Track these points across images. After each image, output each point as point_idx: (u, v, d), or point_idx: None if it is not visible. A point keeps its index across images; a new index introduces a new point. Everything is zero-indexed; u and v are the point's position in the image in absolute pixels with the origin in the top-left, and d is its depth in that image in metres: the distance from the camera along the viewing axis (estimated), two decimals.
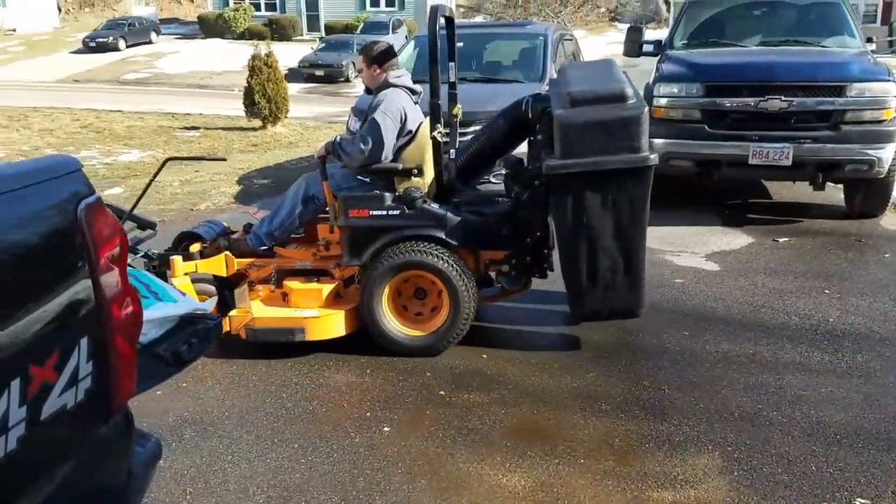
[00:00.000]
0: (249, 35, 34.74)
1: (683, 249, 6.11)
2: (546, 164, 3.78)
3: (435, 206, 4.13)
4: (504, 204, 4.36)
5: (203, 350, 2.13)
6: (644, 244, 3.94)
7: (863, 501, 2.90)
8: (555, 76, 7.64)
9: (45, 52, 33.33)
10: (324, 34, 34.04)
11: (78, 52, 32.79)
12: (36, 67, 29.58)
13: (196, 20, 38.91)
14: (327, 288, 4.22)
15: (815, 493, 2.94)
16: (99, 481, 1.59)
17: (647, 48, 8.00)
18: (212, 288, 4.37)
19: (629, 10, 34.42)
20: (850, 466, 3.10)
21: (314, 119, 15.86)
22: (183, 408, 3.67)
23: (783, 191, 7.87)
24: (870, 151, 6.18)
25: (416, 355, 4.16)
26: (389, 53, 4.44)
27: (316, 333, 4.10)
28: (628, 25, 8.40)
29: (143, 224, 5.01)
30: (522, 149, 4.50)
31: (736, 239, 6.35)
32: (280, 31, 35.52)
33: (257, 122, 13.72)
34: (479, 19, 26.83)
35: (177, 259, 4.28)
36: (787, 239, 6.27)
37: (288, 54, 28.62)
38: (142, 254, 4.70)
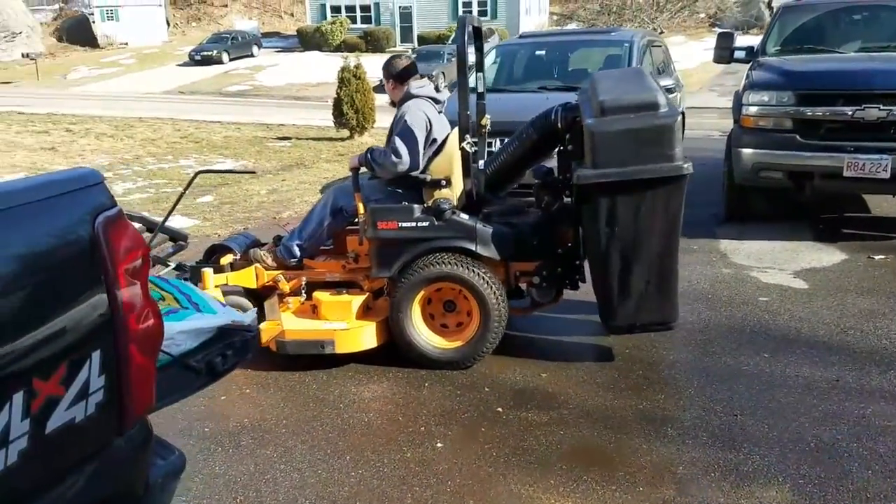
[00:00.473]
0: (345, 47, 35.54)
1: (771, 266, 5.81)
2: (577, 174, 3.72)
3: (464, 217, 4.07)
4: (534, 214, 4.29)
5: (239, 362, 2.14)
6: (677, 255, 3.85)
7: None
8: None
9: (154, 65, 35.12)
10: (416, 45, 34.47)
11: (184, 64, 34.40)
12: (145, 79, 31.22)
13: (295, 34, 40.12)
14: (357, 300, 4.20)
15: None
16: (113, 494, 1.60)
17: (739, 55, 7.70)
18: (244, 300, 4.40)
19: (729, 15, 33.36)
20: None
21: None
22: (244, 414, 3.73)
23: (884, 204, 7.40)
24: None
25: (445, 368, 4.11)
26: (409, 70, 4.43)
27: (346, 346, 4.08)
28: (719, 31, 8.08)
29: (175, 236, 5.00)
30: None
31: (828, 255, 5.99)
32: (374, 42, 36.22)
33: (345, 132, 14.00)
34: (572, 26, 26.57)
35: (207, 271, 4.34)
36: (883, 256, 5.88)
37: (381, 65, 29.21)
38: (173, 265, 4.75)
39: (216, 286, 4.33)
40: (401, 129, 4.18)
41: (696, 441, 3.40)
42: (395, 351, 4.20)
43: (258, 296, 4.47)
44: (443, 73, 24.48)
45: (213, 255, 4.75)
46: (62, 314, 1.42)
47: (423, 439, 3.46)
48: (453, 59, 25.70)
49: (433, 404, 3.80)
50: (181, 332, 1.84)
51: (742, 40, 8.57)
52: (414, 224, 4.06)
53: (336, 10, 39.30)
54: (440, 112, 4.40)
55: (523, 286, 4.32)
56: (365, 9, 39.22)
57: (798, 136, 6.18)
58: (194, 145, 13.73)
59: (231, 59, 34.64)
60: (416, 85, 4.38)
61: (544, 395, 3.87)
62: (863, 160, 5.95)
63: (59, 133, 15.34)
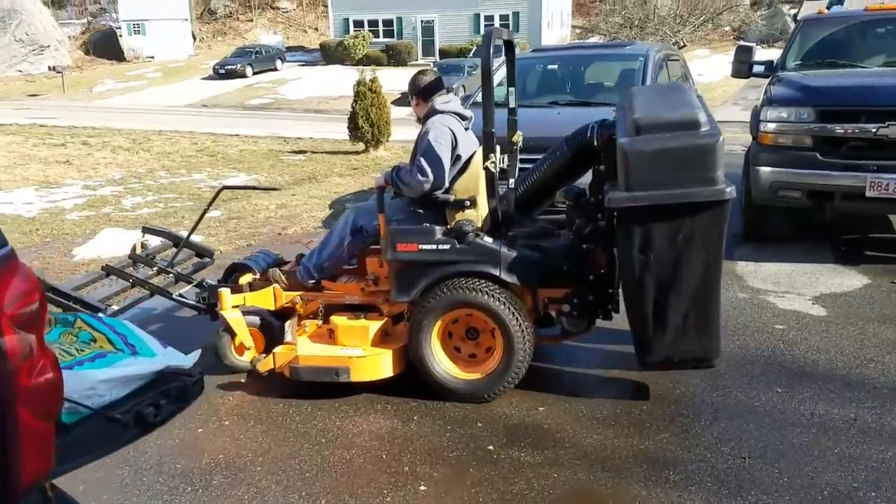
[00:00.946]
0: (367, 61, 35.60)
1: (789, 290, 5.54)
2: (609, 196, 3.42)
3: (488, 241, 3.85)
4: (565, 237, 4.06)
5: (177, 411, 1.95)
6: (719, 287, 3.53)
7: None
8: None
9: (178, 79, 35.38)
10: (438, 59, 34.40)
11: (208, 78, 34.60)
12: (170, 93, 31.42)
13: (318, 48, 40.27)
14: (374, 325, 4.00)
15: None
16: None
17: (758, 69, 7.44)
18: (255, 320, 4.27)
19: (754, 28, 32.90)
20: None
21: None
22: (219, 449, 3.53)
23: None
24: None
25: (467, 401, 3.89)
26: (435, 85, 4.24)
27: (361, 374, 3.88)
28: (738, 45, 7.82)
29: (200, 252, 5.00)
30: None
31: (849, 279, 5.70)
32: (396, 56, 36.23)
33: (360, 146, 13.88)
34: (593, 40, 26.34)
35: (225, 291, 4.20)
36: None
37: (402, 79, 29.19)
38: (195, 283, 4.67)
39: (234, 306, 4.20)
40: (426, 146, 3.98)
41: (700, 487, 3.15)
42: (403, 380, 4.01)
43: (282, 316, 4.34)
44: (463, 86, 24.35)
45: (232, 273, 4.61)
46: None
47: (406, 480, 3.24)
48: (474, 72, 25.47)
49: (420, 441, 3.58)
50: (104, 380, 1.66)
51: (765, 54, 8.30)
52: (434, 246, 3.84)
53: (359, 24, 39.37)
54: (467, 129, 4.20)
55: (553, 314, 4.08)
56: (387, 23, 39.27)
57: (818, 155, 5.92)
58: (209, 159, 13.67)
59: (255, 73, 34.78)
60: (442, 100, 4.19)
61: (540, 432, 3.64)
62: (886, 180, 5.67)
63: (75, 146, 15.38)
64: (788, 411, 3.75)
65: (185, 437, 3.65)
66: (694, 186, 3.30)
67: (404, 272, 3.91)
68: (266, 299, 4.26)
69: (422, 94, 4.23)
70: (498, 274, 3.81)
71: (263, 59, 36.41)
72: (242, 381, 4.24)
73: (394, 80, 29.70)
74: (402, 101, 27.20)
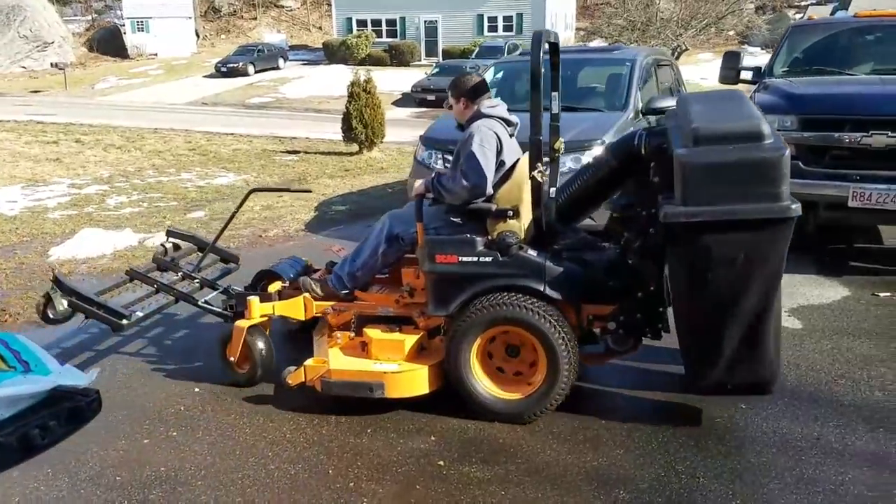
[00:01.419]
0: (370, 61, 35.61)
1: None
2: (665, 210, 3.18)
3: (532, 254, 3.68)
4: (610, 251, 3.86)
5: (70, 432, 1.86)
6: (779, 309, 3.35)
7: None
8: (640, 105, 7.12)
9: (181, 76, 35.40)
10: (441, 59, 34.33)
11: (210, 76, 34.60)
12: (171, 90, 31.42)
13: (322, 47, 40.25)
14: (410, 339, 3.83)
15: None
16: None
17: (746, 75, 7.35)
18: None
19: (756, 33, 32.73)
20: None
21: (414, 144, 15.78)
22: (162, 461, 3.44)
23: None
24: None
25: (508, 421, 3.72)
26: (481, 87, 4.06)
27: (396, 390, 3.71)
28: (726, 51, 7.73)
29: (226, 257, 4.87)
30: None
31: (829, 291, 5.59)
32: (399, 56, 36.20)
33: (354, 147, 13.80)
34: (595, 43, 26.20)
35: (254, 300, 4.07)
36: (889, 294, 5.45)
37: (404, 79, 29.13)
38: (221, 289, 4.56)
39: (262, 315, 4.10)
40: (470, 151, 3.79)
41: None
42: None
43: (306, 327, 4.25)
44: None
45: (260, 280, 4.47)
46: None
47: (348, 498, 3.15)
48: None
49: (370, 455, 3.49)
50: None
51: (756, 60, 8.19)
52: (476, 259, 3.69)
53: (362, 24, 39.36)
54: (512, 135, 4.03)
55: (597, 331, 3.86)
56: (391, 23, 39.23)
57: (801, 164, 5.80)
58: (200, 158, 13.60)
59: (257, 71, 34.76)
60: (488, 104, 4.00)
61: (493, 447, 3.54)
62: (869, 190, 5.57)
63: (67, 144, 15.33)
64: (750, 429, 3.66)
65: (129, 447, 3.57)
66: (756, 202, 3.08)
67: (442, 285, 3.75)
68: (296, 309, 4.11)
69: (470, 95, 4.03)
70: (542, 289, 3.64)
71: (266, 57, 36.38)
72: (197, 389, 4.15)
73: (396, 81, 29.73)
74: (404, 101, 27.19)
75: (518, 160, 3.93)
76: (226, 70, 34.31)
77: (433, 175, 3.95)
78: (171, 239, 4.99)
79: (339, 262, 4.24)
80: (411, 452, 3.50)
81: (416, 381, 3.74)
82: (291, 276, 4.42)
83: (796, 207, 3.09)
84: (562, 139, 4.16)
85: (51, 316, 4.16)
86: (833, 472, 3.28)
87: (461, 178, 3.77)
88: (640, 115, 6.93)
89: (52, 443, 1.79)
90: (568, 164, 6.71)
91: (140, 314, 4.30)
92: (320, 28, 48.49)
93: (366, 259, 4.09)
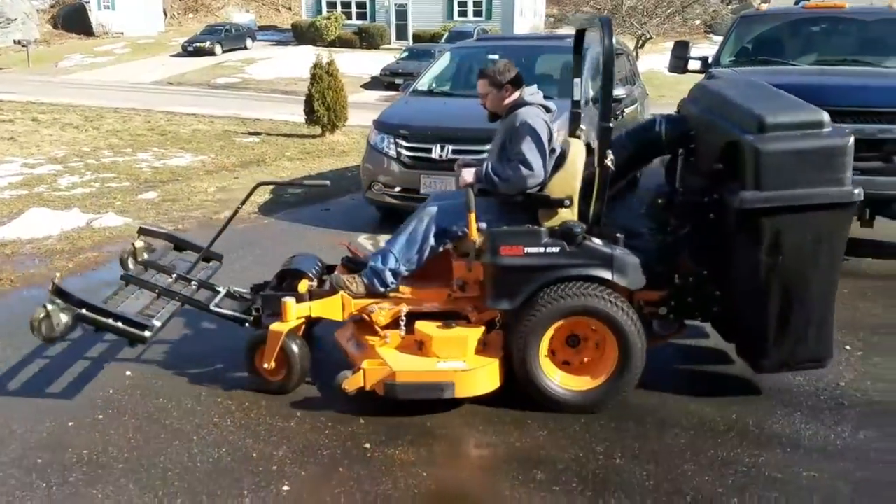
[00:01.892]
0: (339, 43, 35.32)
1: None
2: (742, 196, 3.36)
3: (598, 243, 3.65)
4: (651, 238, 3.91)
5: None
6: (837, 288, 3.58)
7: None
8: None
9: (147, 55, 34.81)
10: (411, 43, 34.17)
11: (177, 55, 34.09)
12: (137, 69, 30.92)
13: (290, 27, 39.82)
14: (474, 335, 3.71)
15: None
16: None
17: (694, 65, 7.43)
18: None
19: (720, 22, 32.97)
20: None
21: None
22: (85, 444, 3.43)
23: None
24: None
25: (577, 412, 3.68)
26: (520, 76, 4.04)
27: (466, 389, 3.60)
28: (675, 41, 7.80)
29: (209, 256, 4.50)
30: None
31: None
32: (369, 39, 35.98)
33: (317, 130, 13.72)
34: (562, 31, 26.27)
35: (290, 301, 3.75)
36: None
37: (374, 62, 28.95)
38: (225, 292, 4.24)
39: (299, 318, 3.83)
40: (527, 137, 3.76)
41: (564, 488, 3.12)
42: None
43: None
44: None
45: (283, 280, 4.18)
46: None
47: (270, 480, 3.17)
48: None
49: (297, 438, 3.50)
50: None
51: (699, 51, 8.28)
52: (543, 249, 3.61)
53: (332, 5, 39.03)
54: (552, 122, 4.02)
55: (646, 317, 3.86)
56: (360, 5, 38.95)
57: None
58: (159, 138, 13.44)
59: (224, 51, 34.29)
60: (529, 91, 3.98)
61: (421, 430, 3.58)
62: None
63: (24, 122, 15.05)
64: (672, 411, 3.73)
65: (53, 430, 3.55)
66: (825, 186, 3.32)
67: (507, 277, 3.65)
68: (334, 308, 3.87)
69: (515, 83, 3.97)
70: (611, 277, 3.61)
71: (233, 37, 35.93)
72: (128, 373, 4.13)
73: (366, 64, 29.52)
74: (373, 85, 27.03)
75: (567, 149, 3.94)
76: (192, 49, 33.84)
77: (485, 165, 3.90)
78: (142, 237, 4.52)
79: (373, 258, 3.97)
80: (338, 436, 3.53)
81: (486, 377, 3.65)
82: (317, 273, 4.21)
83: (859, 192, 3.34)
84: (583, 126, 4.23)
85: (49, 335, 3.63)
86: (747, 454, 3.37)
87: (520, 167, 3.75)
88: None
89: None
90: None
91: (158, 324, 3.79)
92: (290, 9, 47.92)
93: (411, 254, 3.89)
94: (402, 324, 3.79)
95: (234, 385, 3.94)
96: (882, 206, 5.70)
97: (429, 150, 6.85)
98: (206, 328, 4.70)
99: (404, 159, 6.98)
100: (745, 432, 3.55)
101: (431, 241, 3.88)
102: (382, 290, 3.90)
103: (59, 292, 3.66)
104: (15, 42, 35.52)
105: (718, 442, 3.47)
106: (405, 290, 3.96)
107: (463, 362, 3.63)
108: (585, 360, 3.79)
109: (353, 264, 4.15)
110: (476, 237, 3.74)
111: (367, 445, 3.45)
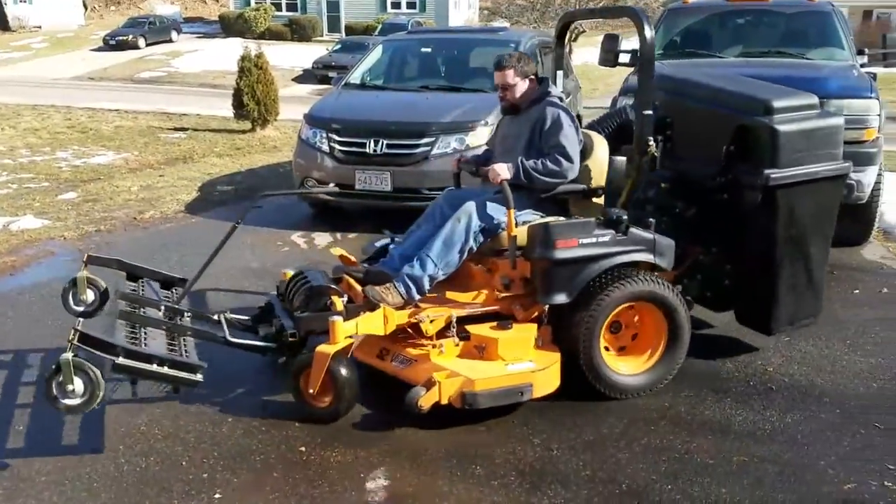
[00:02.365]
0: (269, 35, 34.72)
1: None
2: (767, 174, 3.68)
3: (639, 229, 3.73)
4: (667, 221, 3.97)
5: None
6: (829, 250, 4.10)
7: None
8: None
9: (66, 50, 33.58)
10: (343, 35, 33.81)
11: (98, 49, 32.97)
12: (56, 64, 29.76)
13: (218, 19, 38.94)
14: (532, 332, 3.69)
15: None
16: None
17: (625, 58, 7.49)
18: None
19: (652, 15, 33.61)
20: None
21: None
22: (7, 456, 3.26)
23: None
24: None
25: (631, 395, 3.79)
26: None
27: (542, 388, 3.56)
28: (605, 34, 7.86)
29: (169, 281, 4.17)
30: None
31: None
32: (300, 31, 35.45)
33: (247, 125, 13.43)
34: (497, 24, 26.34)
35: (338, 321, 3.46)
36: None
37: (306, 55, 28.48)
38: (216, 318, 3.91)
39: (347, 337, 3.51)
40: (564, 130, 3.84)
41: (502, 481, 3.12)
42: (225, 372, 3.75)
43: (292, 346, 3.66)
44: None
45: (310, 301, 3.74)
46: None
47: (200, 488, 3.07)
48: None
49: (229, 443, 3.40)
50: None
51: (630, 43, 8.37)
52: (595, 239, 3.64)
53: None
54: None
55: None
56: None
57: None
58: (79, 136, 12.94)
59: (148, 45, 33.32)
60: (549, 84, 4.11)
61: (358, 432, 3.51)
62: None
63: None
64: (605, 402, 3.76)
65: None
66: (827, 162, 3.83)
67: (559, 270, 3.61)
68: (377, 323, 3.63)
69: (536, 76, 4.07)
70: (654, 260, 3.76)
71: (158, 29, 34.95)
72: None
73: (297, 56, 29.03)
74: (304, 78, 26.60)
75: (586, 142, 4.07)
76: (114, 43, 32.77)
77: (518, 160, 3.84)
78: (90, 266, 3.97)
79: (409, 265, 3.77)
80: (272, 440, 3.44)
81: (555, 375, 3.64)
82: (333, 286, 3.88)
83: (849, 165, 3.92)
84: None
85: (69, 404, 2.99)
86: (680, 440, 3.42)
87: (561, 160, 3.81)
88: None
89: None
90: (452, 144, 6.76)
91: (205, 364, 3.35)
92: (217, 0, 46.84)
93: (451, 257, 3.77)
94: (454, 330, 3.67)
95: (160, 393, 3.78)
96: None
97: (363, 145, 6.75)
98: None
99: (337, 154, 6.87)
100: (677, 419, 3.61)
101: (472, 243, 3.80)
102: (418, 297, 3.76)
103: (86, 340, 3.05)
104: None
105: (652, 430, 3.52)
106: (453, 295, 3.91)
107: (531, 362, 3.59)
108: (624, 345, 3.92)
109: (355, 273, 3.95)
110: (515, 233, 3.72)
111: (303, 449, 3.37)
